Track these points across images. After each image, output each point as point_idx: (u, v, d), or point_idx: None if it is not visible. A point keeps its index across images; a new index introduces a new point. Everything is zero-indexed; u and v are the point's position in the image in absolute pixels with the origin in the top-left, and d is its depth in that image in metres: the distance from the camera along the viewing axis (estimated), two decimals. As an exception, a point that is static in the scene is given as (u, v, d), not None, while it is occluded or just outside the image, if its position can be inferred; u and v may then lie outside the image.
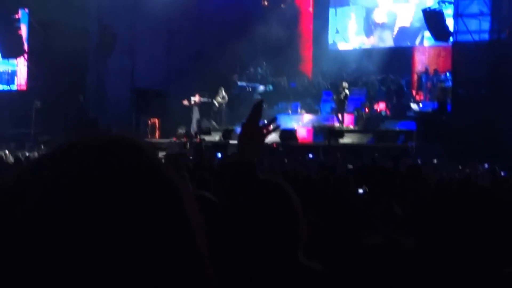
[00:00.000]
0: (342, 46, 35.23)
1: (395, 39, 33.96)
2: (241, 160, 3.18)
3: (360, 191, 9.74)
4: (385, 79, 32.10)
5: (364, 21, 34.66)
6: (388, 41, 34.22)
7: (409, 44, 33.71)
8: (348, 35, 35.15)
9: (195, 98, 30.22)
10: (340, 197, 10.60)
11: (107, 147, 1.16)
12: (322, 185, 11.61)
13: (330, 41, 35.61)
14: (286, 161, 17.29)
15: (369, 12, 34.55)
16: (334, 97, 30.09)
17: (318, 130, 28.28)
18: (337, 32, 35.24)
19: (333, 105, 30.21)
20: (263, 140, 3.34)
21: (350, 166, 14.92)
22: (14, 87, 31.85)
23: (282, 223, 2.93)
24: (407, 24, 33.53)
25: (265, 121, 3.44)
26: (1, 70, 32.18)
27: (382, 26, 34.28)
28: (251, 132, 3.28)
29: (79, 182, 1.11)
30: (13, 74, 32.03)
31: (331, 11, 35.67)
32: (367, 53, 34.06)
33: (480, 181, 13.22)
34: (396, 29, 34.03)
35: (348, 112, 29.87)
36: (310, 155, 19.75)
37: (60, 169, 1.13)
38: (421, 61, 33.36)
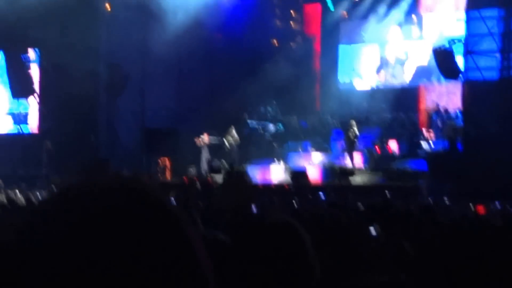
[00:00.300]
0: (357, 84, 35.31)
1: (412, 77, 34.02)
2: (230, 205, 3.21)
3: (372, 231, 9.71)
4: (396, 118, 32.18)
5: (376, 59, 34.80)
6: (399, 78, 34.33)
7: (425, 81, 33.74)
8: (361, 73, 35.27)
9: (204, 137, 30.26)
10: (352, 236, 10.58)
11: (114, 189, 1.16)
12: (333, 224, 11.58)
13: (345, 79, 35.65)
14: (297, 200, 17.25)
15: (381, 49, 34.74)
16: (344, 136, 30.09)
17: (329, 170, 28.25)
18: (353, 70, 35.35)
19: (344, 144, 30.22)
20: (249, 186, 3.37)
21: (361, 206, 14.87)
22: (27, 128, 32.00)
23: (294, 262, 2.89)
24: (424, 63, 33.57)
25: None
26: (16, 112, 32.38)
27: (396, 62, 34.41)
28: (235, 181, 3.32)
29: (85, 225, 1.11)
30: (26, 115, 32.23)
31: (342, 48, 35.83)
32: (377, 91, 34.24)
33: (492, 220, 13.13)
34: (409, 67, 34.15)
35: (359, 151, 29.88)
36: (321, 195, 19.69)
37: (66, 212, 1.13)
38: (431, 99, 33.43)
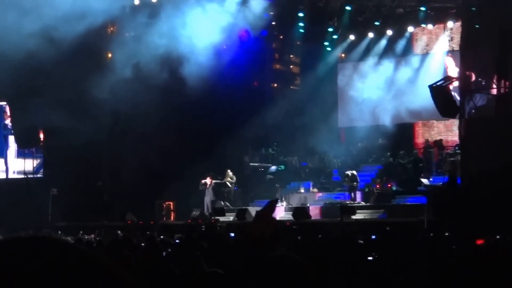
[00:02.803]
0: (357, 123, 35.43)
1: (410, 115, 34.18)
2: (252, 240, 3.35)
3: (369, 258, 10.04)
4: (395, 155, 32.46)
5: (374, 97, 34.98)
6: (397, 116, 34.51)
7: (425, 119, 33.93)
8: (361, 112, 35.34)
9: (207, 180, 30.54)
10: (355, 270, 10.86)
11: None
12: (335, 260, 11.86)
13: (345, 119, 35.91)
14: (299, 238, 17.52)
15: (378, 88, 34.99)
16: (346, 178, 30.37)
17: (330, 208, 28.49)
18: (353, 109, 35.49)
19: (344, 182, 30.54)
20: (272, 230, 3.52)
21: (362, 241, 15.14)
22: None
23: None
24: (422, 101, 33.78)
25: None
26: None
27: (394, 101, 34.56)
28: (263, 222, 3.48)
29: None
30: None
31: (341, 88, 36.15)
32: (376, 130, 34.60)
33: (493, 252, 13.37)
34: (407, 105, 34.38)
35: (359, 189, 30.18)
36: (323, 232, 19.90)
37: None
38: (430, 135, 33.72)
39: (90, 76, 28.85)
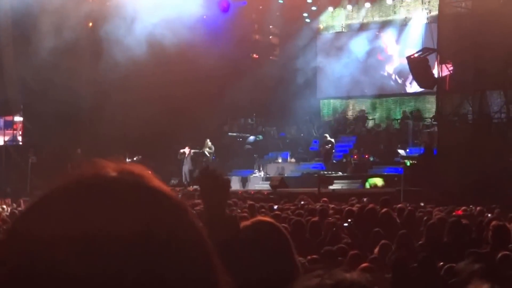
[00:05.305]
0: (335, 93, 35.53)
1: (389, 85, 34.43)
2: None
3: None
4: (372, 126, 32.66)
5: (353, 69, 35.08)
6: (375, 87, 34.71)
7: (402, 89, 34.24)
8: (339, 83, 35.40)
9: (186, 150, 30.64)
10: (332, 240, 11.07)
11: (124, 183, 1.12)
12: (312, 228, 12.08)
13: (323, 90, 36.00)
14: (276, 207, 17.75)
15: (357, 59, 35.10)
16: (321, 147, 30.57)
17: (307, 178, 28.65)
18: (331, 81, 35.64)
19: (322, 153, 30.71)
20: (225, 185, 3.58)
21: (339, 210, 15.36)
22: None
23: (279, 261, 3.03)
24: (399, 71, 33.98)
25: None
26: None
27: (372, 72, 34.73)
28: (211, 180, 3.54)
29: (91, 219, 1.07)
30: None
31: (320, 59, 36.22)
32: (354, 101, 34.80)
33: (469, 222, 13.59)
34: (385, 75, 34.58)
35: (337, 159, 30.37)
36: (302, 202, 20.11)
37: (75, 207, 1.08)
38: (407, 106, 33.95)
39: (70, 48, 28.78)
